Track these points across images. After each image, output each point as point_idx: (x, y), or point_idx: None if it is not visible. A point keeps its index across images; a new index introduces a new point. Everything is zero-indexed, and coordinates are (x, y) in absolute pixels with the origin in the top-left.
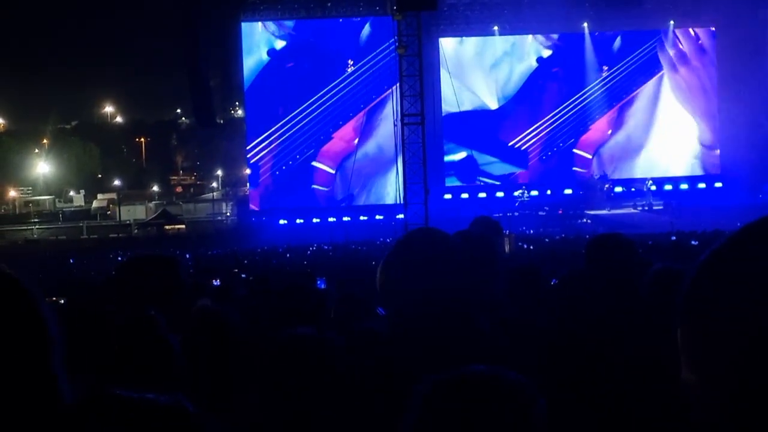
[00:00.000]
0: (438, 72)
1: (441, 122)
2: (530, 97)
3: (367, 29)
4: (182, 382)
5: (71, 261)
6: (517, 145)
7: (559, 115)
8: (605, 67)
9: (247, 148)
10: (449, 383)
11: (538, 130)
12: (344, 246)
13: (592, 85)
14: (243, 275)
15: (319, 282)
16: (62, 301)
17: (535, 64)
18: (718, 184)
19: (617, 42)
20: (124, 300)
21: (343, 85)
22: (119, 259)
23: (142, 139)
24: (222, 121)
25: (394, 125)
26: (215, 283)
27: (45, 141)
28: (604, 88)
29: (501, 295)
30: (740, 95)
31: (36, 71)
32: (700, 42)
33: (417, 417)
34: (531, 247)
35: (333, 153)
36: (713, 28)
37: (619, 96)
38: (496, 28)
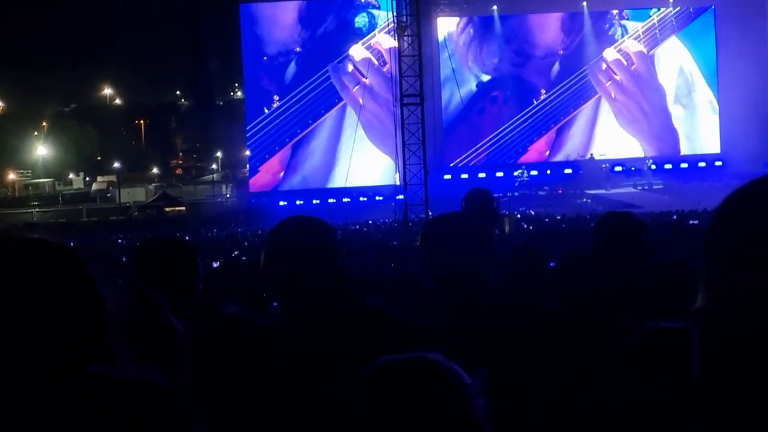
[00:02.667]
0: (438, 52)
1: (440, 102)
2: (469, 119)
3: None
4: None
5: (71, 244)
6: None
7: (498, 137)
8: (543, 91)
9: (247, 128)
10: (385, 369)
11: (477, 152)
12: (344, 227)
13: (530, 108)
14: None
15: None
16: None
17: (474, 89)
18: (719, 163)
19: (556, 67)
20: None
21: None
22: (120, 241)
23: (142, 122)
24: (221, 103)
25: (393, 106)
26: (215, 265)
27: (44, 124)
28: (542, 111)
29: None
30: (739, 72)
31: (34, 54)
32: (633, 67)
33: (354, 403)
34: (530, 227)
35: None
36: (712, 6)
37: (557, 118)
38: (495, 8)
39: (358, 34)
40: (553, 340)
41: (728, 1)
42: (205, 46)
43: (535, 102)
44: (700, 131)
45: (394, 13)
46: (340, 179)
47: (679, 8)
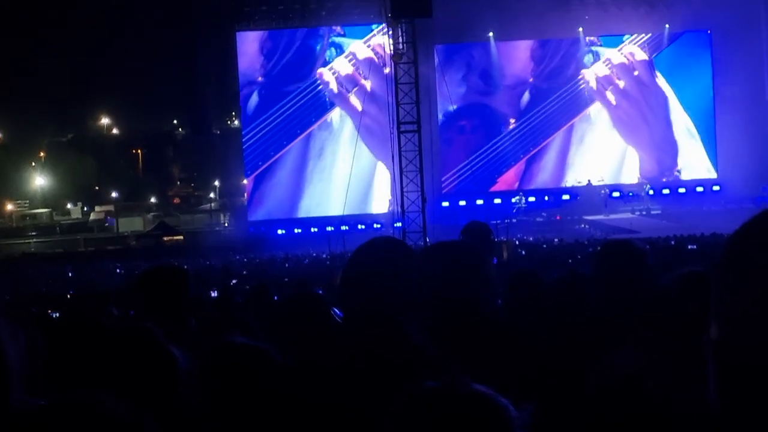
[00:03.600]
0: (434, 79)
1: (438, 130)
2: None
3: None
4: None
5: (69, 274)
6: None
7: (466, 168)
8: (512, 120)
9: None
10: (424, 397)
11: (445, 183)
12: (342, 255)
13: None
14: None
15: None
16: (56, 315)
17: (441, 117)
18: (716, 188)
19: (526, 96)
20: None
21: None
22: (117, 270)
23: (139, 151)
24: (218, 132)
25: (390, 133)
26: (213, 295)
27: (41, 154)
28: (512, 140)
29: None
30: (735, 97)
31: (30, 84)
32: (636, 73)
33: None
34: (523, 252)
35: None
36: (709, 31)
37: (527, 148)
38: (491, 34)
39: (323, 64)
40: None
41: (724, 26)
42: (201, 73)
43: (504, 131)
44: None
45: (391, 40)
46: (305, 210)
47: (650, 34)
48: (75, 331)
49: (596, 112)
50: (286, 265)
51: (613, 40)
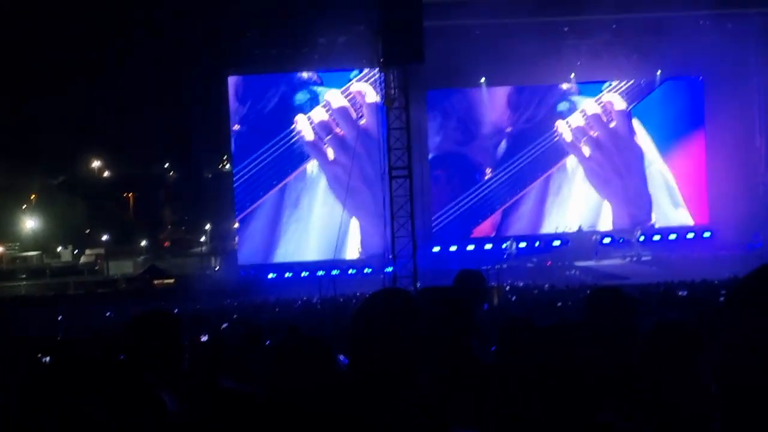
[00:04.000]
0: (426, 124)
1: (429, 176)
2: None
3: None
4: None
5: (59, 318)
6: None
7: (443, 217)
8: (488, 169)
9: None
10: None
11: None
12: (332, 299)
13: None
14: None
15: None
16: (47, 359)
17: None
18: (707, 234)
19: (503, 144)
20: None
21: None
22: (107, 314)
23: (130, 194)
24: (210, 175)
25: (381, 179)
26: (203, 339)
27: (32, 197)
28: (487, 190)
29: (478, 350)
30: (726, 144)
31: (21, 126)
32: (613, 124)
33: None
34: (513, 298)
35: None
36: (701, 78)
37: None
38: (483, 80)
39: (300, 112)
40: (544, 410)
41: (715, 72)
42: (193, 117)
43: (480, 181)
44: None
45: (382, 86)
46: (282, 257)
47: (636, 81)
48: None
49: (573, 163)
50: (277, 309)
51: (596, 87)
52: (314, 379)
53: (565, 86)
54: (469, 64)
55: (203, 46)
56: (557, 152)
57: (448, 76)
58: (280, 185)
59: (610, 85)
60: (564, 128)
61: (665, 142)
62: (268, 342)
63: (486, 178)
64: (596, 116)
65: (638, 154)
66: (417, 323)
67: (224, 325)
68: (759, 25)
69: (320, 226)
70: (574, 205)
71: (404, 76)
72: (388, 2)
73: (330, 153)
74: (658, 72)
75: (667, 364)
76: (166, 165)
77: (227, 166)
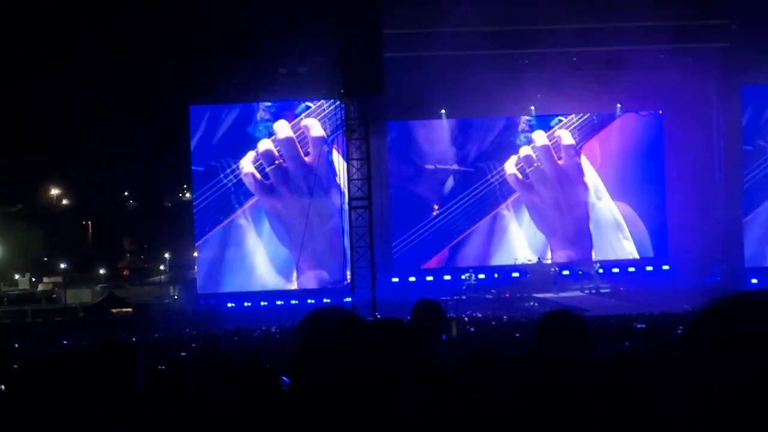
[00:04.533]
0: (386, 155)
1: (389, 206)
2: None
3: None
4: None
5: (15, 345)
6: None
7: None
8: (435, 206)
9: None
10: None
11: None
12: (291, 328)
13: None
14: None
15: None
16: (2, 388)
17: None
18: (666, 267)
19: (450, 181)
20: (86, 384)
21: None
22: (65, 342)
23: (89, 222)
24: (169, 204)
25: (342, 209)
26: (160, 368)
27: None
28: (435, 227)
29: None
30: (686, 178)
31: None
32: (561, 162)
33: None
34: (472, 329)
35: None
36: (660, 112)
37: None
38: (443, 111)
39: (255, 142)
40: None
41: (677, 108)
42: (154, 146)
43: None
44: (607, 240)
45: (342, 117)
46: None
47: (589, 114)
48: (20, 406)
49: (521, 199)
50: (236, 338)
51: (552, 119)
52: (260, 402)
53: (523, 119)
54: (430, 95)
55: (165, 75)
56: (505, 188)
57: (408, 107)
58: (237, 213)
59: (561, 121)
60: (510, 164)
61: (624, 176)
62: (224, 371)
63: (434, 214)
64: (545, 151)
65: (583, 191)
66: (357, 337)
67: (183, 354)
68: (718, 60)
69: (275, 255)
70: (520, 242)
71: (364, 107)
72: (349, 34)
73: (273, 185)
74: (618, 105)
75: (624, 395)
76: (126, 193)
77: (187, 195)
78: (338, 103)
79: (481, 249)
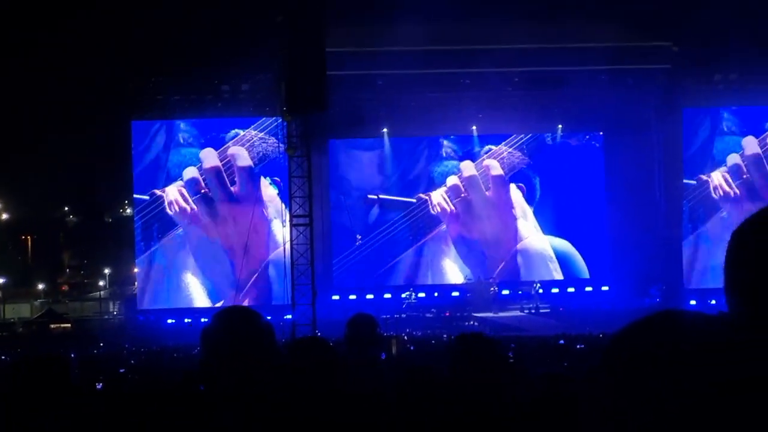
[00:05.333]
0: (328, 173)
1: (330, 223)
2: None
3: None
4: None
5: None
6: None
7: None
8: (358, 236)
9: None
10: None
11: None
12: None
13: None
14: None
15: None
16: None
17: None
18: (605, 288)
19: (375, 210)
20: (18, 400)
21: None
22: (2, 357)
23: (28, 237)
24: (110, 220)
25: (282, 226)
26: (98, 387)
27: None
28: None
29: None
30: (626, 199)
31: None
32: (489, 193)
33: None
34: (412, 347)
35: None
36: (601, 133)
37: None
38: (385, 130)
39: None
40: None
41: (617, 129)
42: (95, 161)
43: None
44: (537, 273)
45: (285, 133)
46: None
47: (531, 135)
48: None
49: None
50: (175, 354)
51: (474, 144)
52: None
53: (445, 144)
54: (372, 114)
55: (107, 91)
56: (430, 219)
57: (351, 125)
58: (178, 229)
59: (491, 150)
60: (436, 195)
61: (561, 199)
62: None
63: (357, 243)
64: (472, 181)
65: (512, 223)
66: (263, 339)
67: (121, 371)
68: (659, 81)
69: (213, 276)
70: (452, 268)
71: (307, 125)
72: (292, 51)
73: (194, 214)
74: (559, 126)
75: (551, 415)
76: (66, 208)
77: (128, 211)
78: (280, 121)
79: (418, 270)
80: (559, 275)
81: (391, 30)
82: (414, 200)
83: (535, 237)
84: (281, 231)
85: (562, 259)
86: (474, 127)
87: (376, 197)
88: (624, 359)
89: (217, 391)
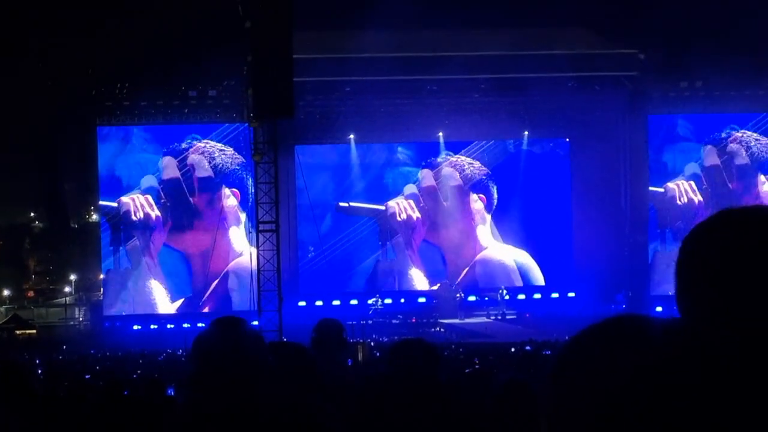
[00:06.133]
0: (294, 179)
1: (296, 230)
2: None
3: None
4: None
5: None
6: None
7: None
8: (311, 248)
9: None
10: None
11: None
12: None
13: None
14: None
15: (169, 390)
16: None
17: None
18: (572, 294)
19: (328, 218)
20: None
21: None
22: None
23: None
24: (76, 226)
25: (248, 232)
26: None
27: None
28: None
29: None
30: (592, 205)
31: None
32: (447, 204)
33: None
34: (378, 354)
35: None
36: (567, 139)
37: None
38: (352, 136)
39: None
40: None
41: (582, 135)
42: (61, 167)
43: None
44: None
45: (251, 139)
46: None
47: (495, 142)
48: None
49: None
50: (140, 361)
51: (459, 146)
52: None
53: (400, 153)
54: (339, 120)
55: (73, 96)
56: (397, 224)
57: (317, 131)
58: (144, 236)
59: (448, 157)
60: (403, 201)
61: (526, 206)
62: (126, 393)
63: (309, 255)
64: (430, 192)
65: (470, 230)
66: (256, 350)
67: (87, 377)
68: (626, 88)
69: (175, 279)
70: (417, 275)
71: (273, 131)
72: (259, 57)
73: (158, 221)
74: (525, 133)
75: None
76: (32, 213)
77: (94, 217)
78: (242, 128)
79: (384, 276)
80: (519, 284)
81: (358, 36)
82: (383, 207)
83: (494, 247)
84: (240, 240)
85: (521, 270)
86: (440, 134)
87: (347, 205)
88: (572, 365)
89: (212, 400)
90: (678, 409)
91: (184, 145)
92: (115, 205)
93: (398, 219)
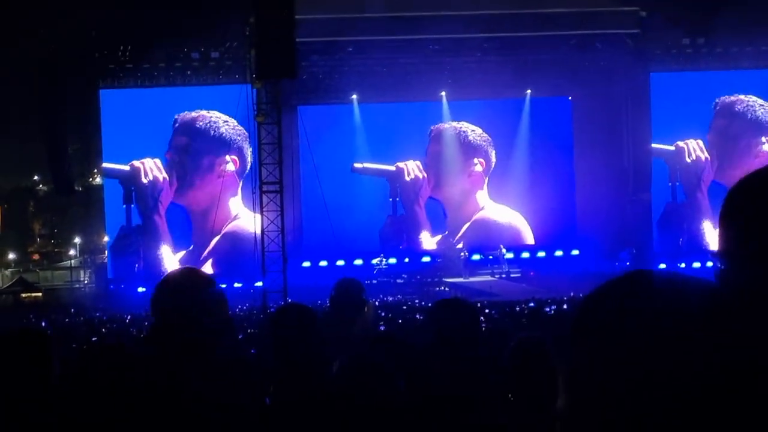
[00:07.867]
0: (297, 140)
1: (300, 190)
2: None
3: None
4: None
5: None
6: None
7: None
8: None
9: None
10: None
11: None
12: None
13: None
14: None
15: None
16: None
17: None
18: (575, 252)
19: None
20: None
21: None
22: None
23: None
24: (80, 189)
25: (253, 193)
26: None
27: None
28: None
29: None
30: (595, 164)
31: None
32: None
33: None
34: (383, 314)
35: None
36: (570, 98)
37: None
38: (354, 97)
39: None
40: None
41: (586, 94)
42: (64, 130)
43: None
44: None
45: (255, 100)
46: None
47: (499, 100)
48: None
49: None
50: (146, 323)
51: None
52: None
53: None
54: (341, 80)
55: (75, 59)
56: (405, 184)
57: (320, 92)
58: (147, 198)
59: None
60: (410, 162)
61: (533, 161)
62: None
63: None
64: (437, 148)
65: (469, 193)
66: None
67: (94, 339)
68: (628, 46)
69: (180, 238)
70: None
71: (276, 92)
72: (261, 18)
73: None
74: (528, 91)
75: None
76: (36, 177)
77: (98, 180)
78: (246, 90)
79: (391, 236)
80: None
81: None
82: (393, 168)
83: (491, 208)
84: (236, 204)
85: (514, 231)
86: (443, 93)
87: (361, 166)
88: (596, 321)
89: (168, 356)
90: (735, 363)
91: (193, 114)
92: (127, 168)
93: (406, 179)
